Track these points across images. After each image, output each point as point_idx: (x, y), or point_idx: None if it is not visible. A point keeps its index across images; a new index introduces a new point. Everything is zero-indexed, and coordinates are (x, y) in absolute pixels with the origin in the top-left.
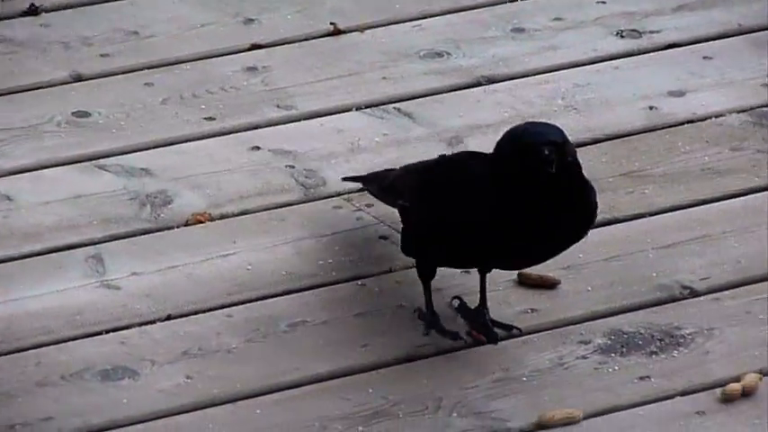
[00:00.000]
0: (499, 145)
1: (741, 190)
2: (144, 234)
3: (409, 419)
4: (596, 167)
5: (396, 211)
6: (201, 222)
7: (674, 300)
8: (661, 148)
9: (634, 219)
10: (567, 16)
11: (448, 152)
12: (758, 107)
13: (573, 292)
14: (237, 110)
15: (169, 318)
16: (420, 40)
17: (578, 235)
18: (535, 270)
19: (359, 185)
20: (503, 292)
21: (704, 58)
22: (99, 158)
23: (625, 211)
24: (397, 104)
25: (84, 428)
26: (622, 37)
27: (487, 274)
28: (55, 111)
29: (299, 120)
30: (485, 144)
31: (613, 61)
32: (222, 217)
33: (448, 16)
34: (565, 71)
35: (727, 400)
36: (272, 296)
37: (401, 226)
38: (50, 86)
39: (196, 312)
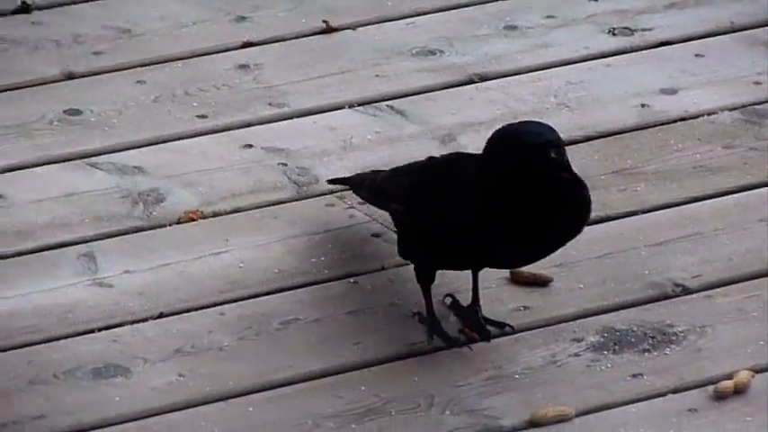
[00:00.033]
0: (495, 146)
1: (733, 187)
2: (136, 232)
3: (401, 417)
4: (589, 165)
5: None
6: (194, 220)
7: (666, 297)
8: (653, 145)
9: (626, 216)
10: (560, 14)
11: (441, 150)
12: (750, 105)
13: (565, 289)
14: (230, 108)
15: (161, 316)
16: (413, 38)
17: (574, 232)
18: (527, 268)
19: None
20: (495, 290)
21: (696, 55)
22: (91, 156)
23: (617, 209)
24: (389, 102)
25: (76, 426)
26: (614, 35)
27: (480, 272)
28: (47, 109)
29: (292, 117)
30: (477, 142)
31: (605, 59)
32: (215, 215)
33: (440, 14)
34: (557, 69)
35: (720, 397)
36: (265, 294)
37: (394, 226)
38: (42, 84)
39: (188, 310)
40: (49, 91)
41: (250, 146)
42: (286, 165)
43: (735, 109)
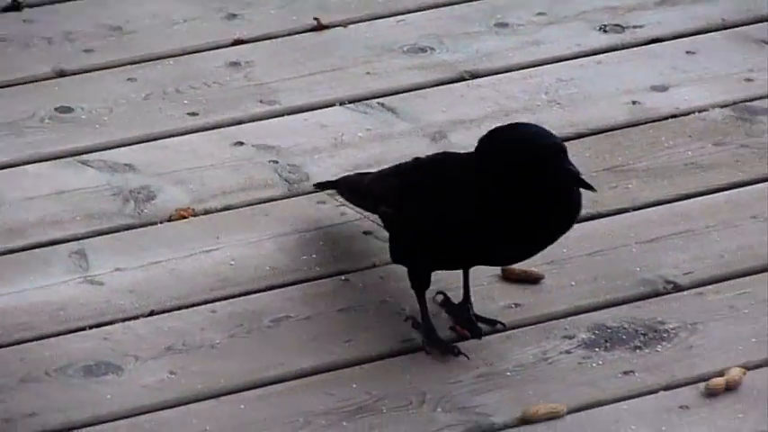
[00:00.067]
0: (504, 149)
1: (724, 184)
2: (127, 230)
3: (393, 414)
4: (580, 162)
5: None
6: (185, 218)
7: (657, 294)
8: (644, 142)
9: (617, 213)
10: (551, 11)
11: (431, 147)
12: (741, 102)
13: (556, 286)
14: (221, 105)
15: (152, 313)
16: (403, 35)
17: (565, 229)
18: (519, 265)
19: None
20: (486, 287)
21: (687, 52)
22: (82, 154)
23: (608, 206)
24: (380, 99)
25: (67, 424)
26: (605, 32)
27: (470, 270)
28: (38, 106)
29: (283, 115)
30: (468, 139)
31: (596, 56)
32: (206, 212)
33: (431, 11)
34: (548, 66)
35: (711, 394)
36: (256, 291)
37: (384, 228)
38: (33, 82)
39: (179, 308)
40: (40, 89)
41: (241, 143)
42: (277, 162)
43: (726, 106)
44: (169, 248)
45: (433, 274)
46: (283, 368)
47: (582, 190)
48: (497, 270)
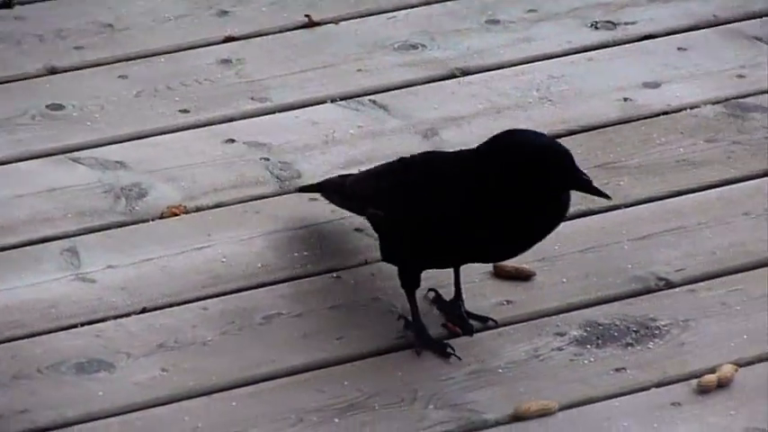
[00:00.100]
0: (514, 154)
1: (716, 181)
2: (119, 227)
3: (385, 412)
4: None
5: None
6: (176, 215)
7: (649, 291)
8: (636, 139)
9: (609, 210)
10: (542, 8)
11: (423, 144)
12: (733, 98)
13: (548, 283)
14: (212, 102)
15: (144, 310)
16: (395, 32)
17: (555, 227)
18: (510, 262)
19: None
20: (478, 284)
21: (679, 49)
22: (73, 151)
23: (600, 203)
24: (371, 96)
25: (59, 421)
26: (597, 28)
27: (461, 267)
28: (29, 104)
29: (274, 112)
30: (460, 136)
31: (588, 53)
32: (197, 209)
33: (422, 8)
34: (540, 63)
35: (703, 391)
36: (247, 289)
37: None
38: (24, 79)
39: (171, 305)
40: (31, 86)
41: (232, 140)
42: (268, 159)
43: (718, 102)
44: (161, 246)
45: (424, 271)
46: (275, 365)
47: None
48: (489, 267)
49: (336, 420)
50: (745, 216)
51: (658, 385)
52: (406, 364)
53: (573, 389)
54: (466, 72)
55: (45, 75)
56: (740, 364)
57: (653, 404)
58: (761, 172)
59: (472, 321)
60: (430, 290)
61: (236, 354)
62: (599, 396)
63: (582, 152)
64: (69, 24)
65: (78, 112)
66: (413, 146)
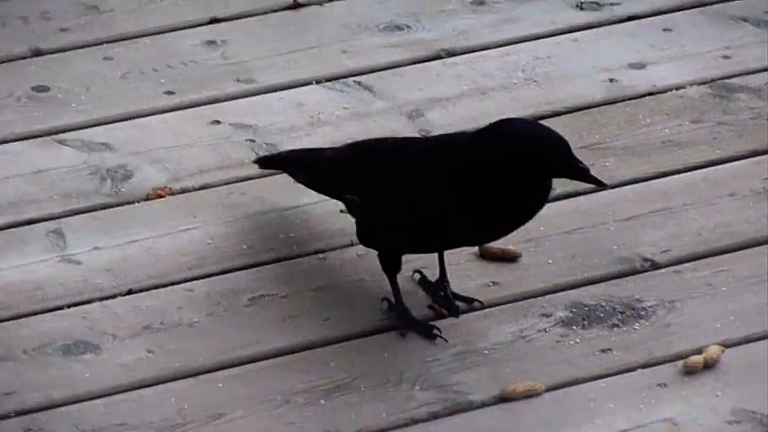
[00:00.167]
0: (511, 145)
1: (702, 162)
2: (104, 209)
3: (371, 393)
4: None
5: None
6: (162, 197)
7: (635, 272)
8: (621, 120)
9: (595, 191)
10: None
11: (408, 125)
12: (719, 79)
13: (534, 265)
14: (197, 84)
15: (130, 292)
16: (380, 14)
17: (540, 209)
18: (496, 243)
19: None
20: (464, 266)
21: (664, 30)
22: (59, 133)
23: (586, 184)
24: (357, 78)
25: (45, 403)
26: (582, 9)
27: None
28: (14, 86)
29: (259, 94)
30: (445, 117)
31: (573, 34)
32: (182, 191)
33: None
34: (525, 44)
35: (689, 372)
36: (233, 270)
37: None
38: (9, 61)
39: (157, 287)
40: (16, 68)
41: (218, 122)
42: (254, 141)
43: (703, 83)
44: (146, 227)
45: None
46: (261, 347)
47: None
48: (474, 249)
49: (322, 402)
50: (730, 197)
51: (644, 366)
52: (392, 346)
53: (559, 370)
54: (451, 53)
55: (30, 57)
56: (726, 345)
57: (639, 385)
58: (746, 153)
59: (458, 302)
60: (415, 271)
61: (222, 335)
62: (585, 377)
63: (567, 133)
64: (54, 6)
65: (63, 93)
66: (398, 127)
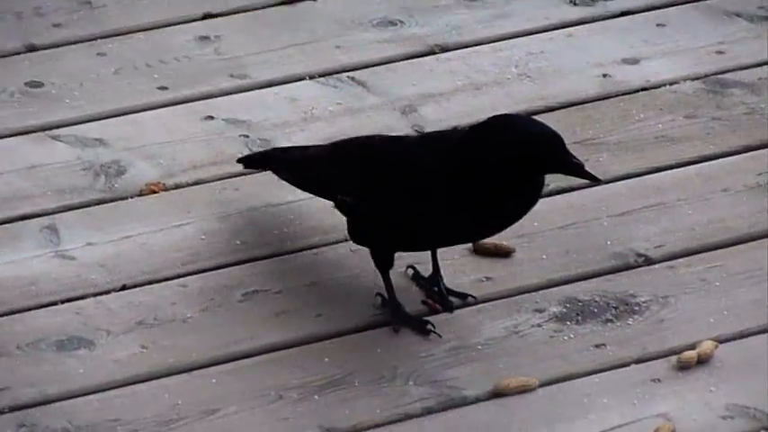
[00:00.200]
0: (509, 141)
1: (695, 157)
2: (98, 204)
3: (365, 388)
4: None
5: None
6: (155, 192)
7: (628, 268)
8: (615, 116)
9: (588, 187)
10: None
11: (402, 121)
12: (712, 74)
13: (528, 260)
14: (191, 79)
15: (124, 288)
16: (373, 9)
17: (533, 205)
18: (490, 239)
19: None
20: (458, 261)
21: (658, 25)
22: (52, 129)
23: (579, 180)
24: (350, 73)
25: (39, 398)
26: (575, 4)
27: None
28: (8, 81)
29: (253, 89)
30: (438, 112)
31: (567, 29)
32: (176, 187)
33: None
34: (518, 39)
35: (683, 367)
36: (227, 266)
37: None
38: (3, 57)
39: (151, 282)
40: (9, 64)
41: (211, 117)
42: (248, 136)
43: (697, 79)
44: (140, 223)
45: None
46: (254, 342)
47: None
48: (468, 244)
49: (316, 397)
50: (724, 192)
51: (638, 361)
52: (385, 341)
53: (553, 365)
54: (444, 49)
55: (24, 52)
56: (720, 341)
57: (633, 380)
58: (740, 148)
59: (452, 298)
60: (408, 266)
61: (216, 331)
62: (579, 372)
63: (561, 129)
64: (47, 2)
65: (57, 89)
66: (392, 123)
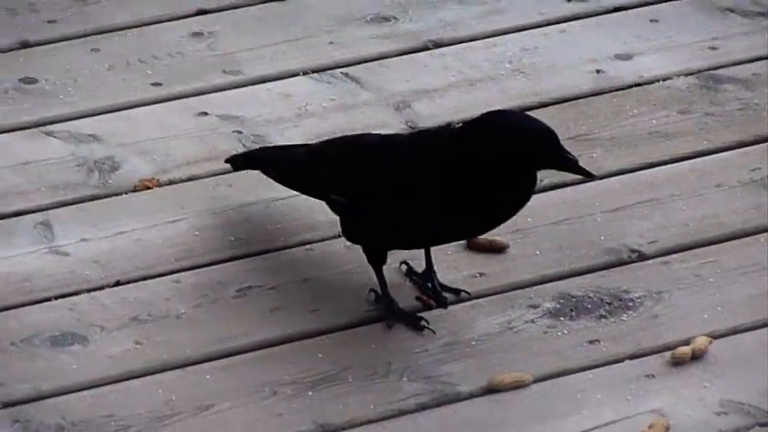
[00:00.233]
0: (505, 137)
1: (689, 153)
2: (92, 200)
3: (359, 384)
4: None
5: None
6: (149, 188)
7: (622, 263)
8: (608, 111)
9: (582, 182)
10: None
11: (396, 117)
12: (705, 70)
13: (521, 255)
14: (184, 75)
15: (118, 283)
16: (367, 5)
17: (527, 201)
18: (483, 234)
19: None
20: (451, 257)
21: (651, 21)
22: (46, 125)
23: (573, 175)
24: (344, 69)
25: (33, 394)
26: (569, 0)
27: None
28: (2, 77)
29: (246, 85)
30: (432, 108)
31: (560, 25)
32: (170, 183)
33: None
34: (512, 35)
35: (677, 363)
36: (221, 262)
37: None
38: None
39: (144, 278)
40: (3, 60)
41: (205, 113)
42: (241, 132)
43: (690, 74)
44: (134, 219)
45: None
46: (248, 338)
47: None
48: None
49: (310, 393)
50: (717, 188)
51: (632, 357)
52: (379, 337)
53: (546, 361)
54: (438, 44)
55: (18, 48)
56: (714, 336)
57: (627, 376)
58: (734, 144)
59: (446, 294)
60: (402, 262)
61: (210, 327)
62: (573, 368)
63: (554, 124)
64: None
65: (51, 85)
66: (385, 118)
